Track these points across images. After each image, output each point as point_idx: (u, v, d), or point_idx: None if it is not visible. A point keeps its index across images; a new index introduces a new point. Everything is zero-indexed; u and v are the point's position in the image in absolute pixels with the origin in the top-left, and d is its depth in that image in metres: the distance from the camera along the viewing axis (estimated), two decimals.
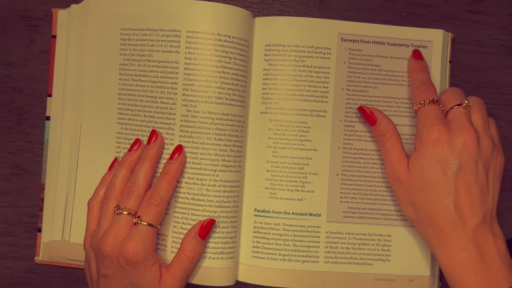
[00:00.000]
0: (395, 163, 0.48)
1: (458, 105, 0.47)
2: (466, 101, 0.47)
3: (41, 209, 0.54)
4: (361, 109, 0.51)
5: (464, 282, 0.44)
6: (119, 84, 0.52)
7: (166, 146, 0.50)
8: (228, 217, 0.50)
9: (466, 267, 0.44)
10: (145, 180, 0.49)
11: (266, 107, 0.52)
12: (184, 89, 0.49)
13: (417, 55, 0.52)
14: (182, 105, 0.49)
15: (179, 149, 0.49)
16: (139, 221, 0.47)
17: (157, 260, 0.48)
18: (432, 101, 0.48)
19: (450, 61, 0.55)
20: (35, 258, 0.54)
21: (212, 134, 0.49)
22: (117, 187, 0.49)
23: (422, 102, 0.48)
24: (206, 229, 0.49)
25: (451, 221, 0.45)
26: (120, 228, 0.47)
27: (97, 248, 0.48)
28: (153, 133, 0.50)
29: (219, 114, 0.49)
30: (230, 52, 0.50)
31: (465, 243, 0.44)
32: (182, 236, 0.50)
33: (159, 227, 0.48)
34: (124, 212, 0.47)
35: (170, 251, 0.51)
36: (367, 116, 0.51)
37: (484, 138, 0.46)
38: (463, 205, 0.45)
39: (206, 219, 0.49)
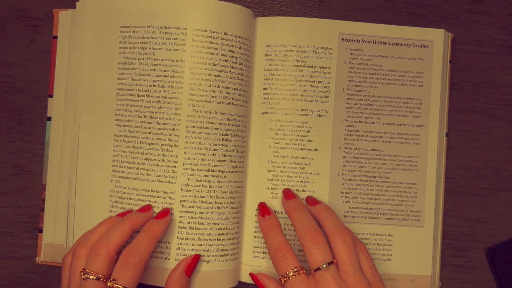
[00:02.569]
0: None
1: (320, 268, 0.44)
2: (324, 266, 0.44)
3: (42, 210, 0.54)
4: (251, 275, 0.49)
5: None
6: (117, 84, 0.51)
7: (170, 148, 0.49)
8: (234, 218, 0.50)
9: None
10: (118, 241, 0.45)
11: (267, 107, 0.52)
12: (190, 89, 0.49)
13: (263, 211, 0.50)
14: (189, 105, 0.49)
15: (166, 211, 0.48)
16: (114, 285, 0.43)
17: None
18: (294, 271, 0.45)
19: (450, 61, 0.55)
20: (36, 258, 0.54)
21: (220, 134, 0.49)
22: (90, 244, 0.45)
23: (285, 275, 0.45)
24: (192, 266, 0.47)
25: None
26: None
27: None
28: (149, 207, 0.48)
29: (226, 114, 0.49)
30: (236, 52, 0.50)
31: None
32: (188, 242, 0.49)
33: None
34: (91, 277, 0.43)
35: (174, 259, 0.49)
36: (257, 283, 0.49)
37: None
38: None
39: (191, 256, 0.48)
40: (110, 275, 0.44)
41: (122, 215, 0.48)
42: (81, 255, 0.45)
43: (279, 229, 0.49)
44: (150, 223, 0.47)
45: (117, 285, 0.43)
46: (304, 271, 0.45)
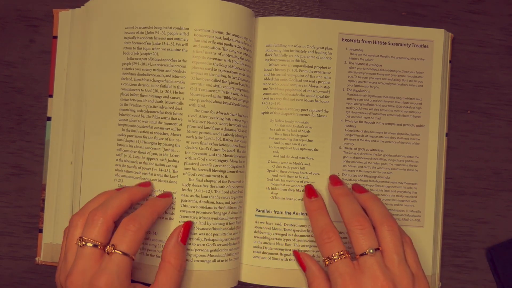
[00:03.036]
0: None
1: (366, 253, 0.44)
2: (371, 251, 0.44)
3: (42, 210, 0.54)
4: (295, 253, 0.51)
5: None
6: (121, 84, 0.51)
7: (171, 148, 0.49)
8: (235, 218, 0.50)
9: None
10: (116, 209, 0.44)
11: (267, 107, 0.52)
12: (192, 89, 0.49)
13: (310, 193, 0.51)
14: (190, 105, 0.49)
15: (168, 194, 0.48)
16: (113, 250, 0.42)
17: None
18: (339, 254, 0.45)
19: (450, 61, 0.55)
20: (36, 258, 0.54)
21: (221, 134, 0.49)
22: (87, 213, 0.45)
23: (329, 257, 0.45)
24: (185, 233, 0.47)
25: None
26: (85, 262, 0.42)
27: (63, 287, 0.43)
28: (148, 183, 0.49)
29: (227, 114, 0.49)
30: (238, 52, 0.50)
31: None
32: (189, 242, 0.49)
33: (134, 259, 0.43)
34: (88, 244, 0.42)
35: None
36: (299, 261, 0.50)
37: (402, 279, 0.44)
38: None
39: (183, 223, 0.48)
40: (108, 243, 0.43)
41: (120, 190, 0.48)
42: (78, 224, 0.44)
43: (325, 211, 0.49)
44: (152, 199, 0.47)
45: (116, 251, 0.42)
46: (349, 255, 0.45)
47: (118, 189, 0.49)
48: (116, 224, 0.45)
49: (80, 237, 0.43)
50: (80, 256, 0.42)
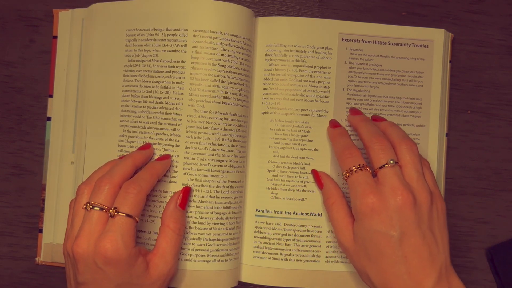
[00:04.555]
0: (340, 231, 0.47)
1: (386, 164, 0.45)
2: (391, 161, 0.45)
3: (42, 210, 0.54)
4: (313, 172, 0.52)
5: None
6: (122, 86, 0.51)
7: (171, 148, 0.49)
8: (234, 218, 0.50)
9: None
10: (122, 175, 0.45)
11: (267, 107, 0.52)
12: (190, 89, 0.49)
13: (333, 124, 0.51)
14: (189, 105, 0.49)
15: (167, 156, 0.49)
16: (116, 212, 0.43)
17: (139, 251, 0.44)
18: (359, 167, 0.46)
19: (450, 61, 0.55)
20: (36, 258, 0.54)
21: (220, 134, 0.49)
22: (93, 182, 0.46)
23: (350, 169, 0.46)
24: (184, 198, 0.47)
25: (407, 287, 0.43)
26: (92, 226, 0.43)
27: (70, 252, 0.44)
28: (148, 144, 0.49)
29: (227, 114, 0.49)
30: (237, 52, 0.50)
31: None
32: (188, 241, 0.49)
33: (138, 220, 0.44)
34: (95, 208, 0.43)
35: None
36: (317, 179, 0.51)
37: (420, 193, 0.44)
38: (414, 270, 0.43)
39: (182, 188, 0.48)
40: (110, 207, 0.44)
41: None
42: (84, 192, 0.45)
43: (348, 135, 0.50)
44: (152, 162, 0.48)
45: (119, 213, 0.43)
46: (369, 169, 0.46)
47: (121, 157, 0.49)
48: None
49: (87, 202, 0.44)
50: (87, 219, 0.43)
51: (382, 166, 0.45)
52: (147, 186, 0.45)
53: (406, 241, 0.43)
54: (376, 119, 0.51)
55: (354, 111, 0.51)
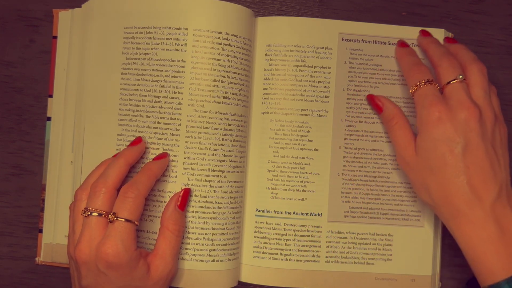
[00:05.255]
0: (403, 147, 0.48)
1: (454, 80, 0.46)
2: (460, 76, 0.46)
3: (42, 210, 0.54)
4: (369, 97, 0.52)
5: (485, 262, 0.43)
6: (120, 84, 0.51)
7: (170, 148, 0.49)
8: (234, 218, 0.50)
9: (487, 245, 0.43)
10: (116, 177, 0.45)
11: (267, 107, 0.52)
12: (190, 89, 0.49)
13: (401, 43, 0.52)
14: (189, 105, 0.49)
15: (164, 155, 0.48)
16: (115, 218, 0.43)
17: (140, 254, 0.45)
18: (427, 81, 0.47)
19: None
20: (36, 258, 0.54)
21: (220, 134, 0.49)
22: (89, 186, 0.46)
23: (418, 83, 0.47)
24: (184, 200, 0.47)
25: (467, 199, 0.44)
26: (92, 231, 0.43)
27: (73, 257, 0.44)
28: (139, 138, 0.49)
29: (226, 114, 0.49)
30: (237, 52, 0.50)
31: (484, 221, 0.43)
32: (187, 241, 0.49)
33: (137, 224, 0.44)
34: (93, 214, 0.44)
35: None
36: (375, 103, 0.51)
37: (486, 111, 0.45)
38: (476, 182, 0.44)
39: (181, 190, 0.48)
40: (107, 211, 0.44)
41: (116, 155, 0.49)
42: (82, 197, 0.45)
43: (416, 54, 0.51)
44: (148, 163, 0.47)
45: (118, 218, 0.43)
46: (436, 85, 0.47)
47: (115, 155, 0.49)
48: (118, 191, 0.46)
49: (85, 208, 0.44)
50: (86, 225, 0.44)
51: (450, 82, 0.46)
52: (144, 189, 0.45)
53: (469, 151, 0.44)
54: (448, 41, 0.51)
55: (424, 33, 0.52)
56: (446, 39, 0.52)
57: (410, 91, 0.48)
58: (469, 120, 0.44)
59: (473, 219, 0.44)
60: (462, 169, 0.44)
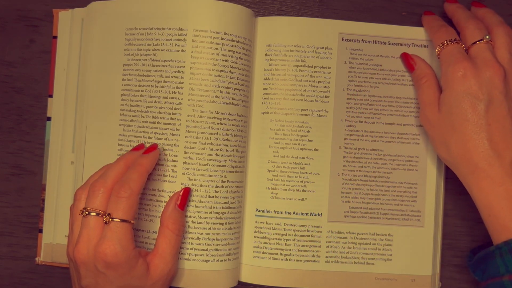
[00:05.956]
0: (427, 104, 0.49)
1: (480, 40, 0.46)
2: (487, 37, 0.46)
3: (42, 210, 0.54)
4: (403, 55, 0.52)
5: (502, 218, 0.44)
6: (122, 85, 0.51)
7: (170, 148, 0.49)
8: (234, 218, 0.50)
9: (504, 201, 0.44)
10: (115, 178, 0.45)
11: (267, 107, 0.52)
12: (190, 89, 0.49)
13: (428, 12, 0.53)
14: (188, 105, 0.49)
15: (154, 147, 0.48)
16: (110, 219, 0.43)
17: (139, 253, 0.45)
18: (453, 40, 0.47)
19: None
20: (36, 258, 0.54)
21: (220, 134, 0.49)
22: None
23: (443, 43, 0.48)
24: (184, 199, 0.48)
25: (486, 155, 0.44)
26: (90, 232, 0.43)
27: (72, 257, 0.45)
28: (142, 145, 0.49)
29: (226, 114, 0.49)
30: (236, 52, 0.50)
31: (502, 177, 0.44)
32: (187, 241, 0.49)
33: (133, 222, 0.44)
34: (92, 213, 0.44)
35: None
36: (408, 62, 0.52)
37: (511, 72, 0.46)
38: (496, 139, 0.44)
39: (181, 189, 0.48)
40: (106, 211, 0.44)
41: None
42: (81, 197, 0.45)
43: (442, 19, 0.51)
44: (138, 158, 0.47)
45: (113, 219, 0.43)
46: (462, 45, 0.47)
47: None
48: None
49: (83, 208, 0.44)
50: (84, 225, 0.44)
51: (475, 43, 0.46)
52: (137, 187, 0.45)
53: (492, 109, 0.45)
54: (475, 5, 0.51)
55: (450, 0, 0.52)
56: (473, 3, 0.52)
57: (436, 51, 0.49)
58: (493, 78, 0.45)
59: (492, 176, 0.44)
60: (483, 126, 0.45)
